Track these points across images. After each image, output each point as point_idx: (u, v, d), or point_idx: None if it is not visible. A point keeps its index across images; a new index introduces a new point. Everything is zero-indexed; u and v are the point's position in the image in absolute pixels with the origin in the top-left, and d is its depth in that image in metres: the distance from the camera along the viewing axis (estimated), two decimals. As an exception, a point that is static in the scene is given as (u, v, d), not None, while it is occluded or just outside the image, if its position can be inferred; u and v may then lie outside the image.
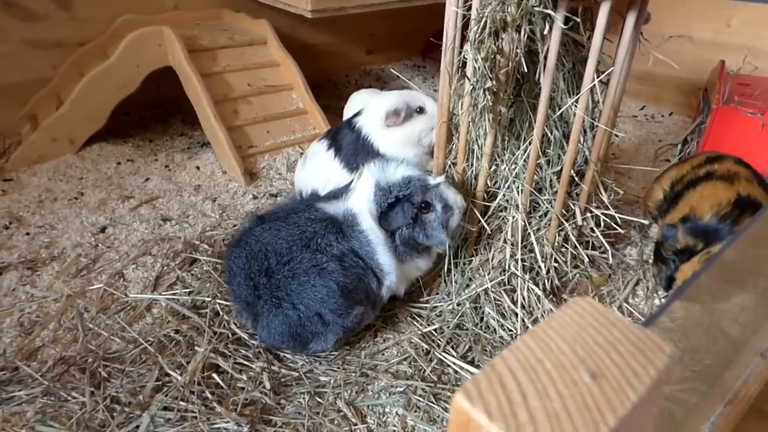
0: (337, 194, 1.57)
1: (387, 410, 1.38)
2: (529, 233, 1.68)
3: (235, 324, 1.59)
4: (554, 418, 0.31)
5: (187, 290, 1.72)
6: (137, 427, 1.27)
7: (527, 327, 1.59)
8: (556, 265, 1.74)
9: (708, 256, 1.62)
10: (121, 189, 2.31)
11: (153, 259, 1.87)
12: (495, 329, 1.60)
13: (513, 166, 1.65)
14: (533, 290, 1.64)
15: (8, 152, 2.48)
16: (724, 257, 0.87)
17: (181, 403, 1.33)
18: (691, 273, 1.63)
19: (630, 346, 0.36)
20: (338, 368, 1.49)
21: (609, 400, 0.32)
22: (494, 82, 1.40)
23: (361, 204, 1.47)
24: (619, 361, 0.35)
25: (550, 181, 1.68)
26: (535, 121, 1.52)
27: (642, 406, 0.32)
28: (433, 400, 1.39)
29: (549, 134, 1.63)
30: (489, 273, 1.67)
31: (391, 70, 2.55)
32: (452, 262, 1.70)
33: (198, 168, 2.51)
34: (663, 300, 1.78)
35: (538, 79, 1.47)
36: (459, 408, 0.32)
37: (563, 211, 1.68)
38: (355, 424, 1.32)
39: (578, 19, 1.44)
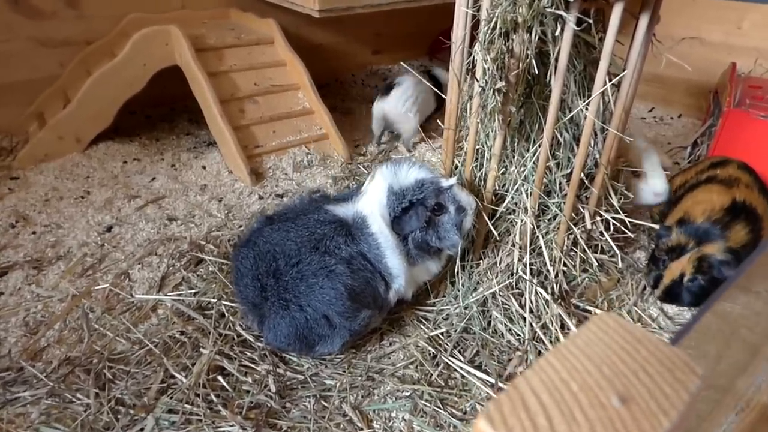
0: (346, 197, 1.55)
1: (393, 415, 1.36)
2: (537, 237, 1.66)
3: (241, 326, 1.58)
4: (583, 445, 0.29)
5: (193, 291, 1.71)
6: (142, 429, 1.27)
7: (535, 331, 1.58)
8: (564, 269, 1.72)
9: (699, 255, 1.63)
10: (127, 188, 2.30)
11: (159, 259, 1.86)
12: (503, 333, 1.58)
13: (522, 169, 1.63)
14: (541, 294, 1.62)
15: (15, 150, 2.49)
16: (746, 271, 0.85)
17: (186, 405, 1.32)
18: (679, 272, 1.66)
19: (659, 367, 0.34)
20: (344, 372, 1.47)
21: (640, 426, 0.30)
22: (504, 83, 1.38)
23: (371, 207, 1.46)
24: (648, 383, 0.33)
25: (560, 184, 1.66)
26: (545, 124, 1.50)
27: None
28: (440, 405, 1.37)
29: (559, 137, 1.61)
30: (497, 276, 1.65)
31: (402, 63, 2.58)
32: (459, 265, 1.68)
33: (204, 167, 2.50)
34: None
35: (549, 80, 1.45)
36: (481, 433, 0.31)
37: (572, 214, 1.66)
38: (361, 429, 1.31)
39: (590, 21, 1.42)
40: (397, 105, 2.68)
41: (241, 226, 2.06)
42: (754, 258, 0.94)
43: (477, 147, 1.65)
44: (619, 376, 0.33)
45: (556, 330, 1.57)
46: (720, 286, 1.67)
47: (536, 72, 1.40)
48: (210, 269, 1.81)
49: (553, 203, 1.66)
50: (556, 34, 1.34)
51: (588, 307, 1.70)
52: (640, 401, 0.32)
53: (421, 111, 2.75)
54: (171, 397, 1.34)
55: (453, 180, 1.51)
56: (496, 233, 1.65)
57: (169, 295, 1.69)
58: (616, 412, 0.31)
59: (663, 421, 0.31)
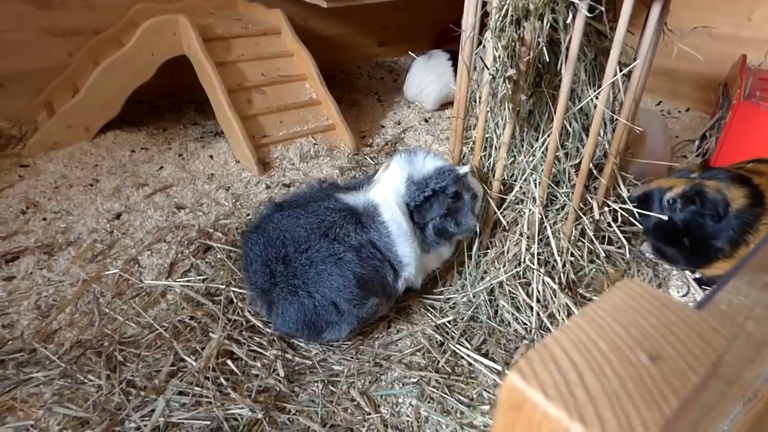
0: (356, 185, 1.56)
1: (400, 400, 1.37)
2: (545, 226, 1.66)
3: (249, 311, 1.59)
4: (614, 398, 0.30)
5: (201, 277, 1.72)
6: (152, 410, 1.28)
7: (542, 321, 1.58)
8: (572, 259, 1.72)
9: (695, 183, 1.69)
10: (135, 176, 2.31)
11: (167, 246, 1.87)
12: (509, 322, 1.59)
13: (531, 158, 1.63)
14: (548, 284, 1.62)
15: (25, 138, 2.50)
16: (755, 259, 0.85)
17: (196, 388, 1.33)
18: (668, 185, 1.71)
19: (686, 329, 0.35)
20: (352, 358, 1.48)
21: (670, 382, 0.31)
22: (515, 71, 1.38)
23: (384, 196, 1.47)
24: (676, 344, 0.33)
25: (568, 174, 1.66)
26: (554, 113, 1.49)
27: (702, 389, 0.31)
28: (447, 392, 1.38)
29: (568, 126, 1.61)
30: (504, 266, 1.66)
31: (410, 53, 2.58)
32: (467, 254, 1.69)
33: (211, 157, 2.51)
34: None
35: (559, 69, 1.45)
36: (512, 387, 0.31)
37: (581, 204, 1.66)
38: (369, 413, 1.32)
39: (602, 8, 1.42)
40: (409, 89, 3.21)
41: (248, 215, 2.07)
42: (760, 248, 0.93)
43: (486, 136, 1.65)
44: (647, 337, 0.34)
45: (563, 319, 1.57)
46: (690, 235, 1.71)
47: (547, 60, 1.40)
48: (218, 256, 1.82)
49: (562, 193, 1.66)
50: (568, 21, 1.34)
51: (595, 298, 1.70)
52: (668, 360, 0.32)
53: (440, 84, 3.10)
54: (181, 380, 1.35)
55: (467, 167, 1.54)
56: (504, 222, 1.65)
57: (178, 281, 1.70)
58: (646, 370, 0.32)
59: (692, 377, 0.31)
